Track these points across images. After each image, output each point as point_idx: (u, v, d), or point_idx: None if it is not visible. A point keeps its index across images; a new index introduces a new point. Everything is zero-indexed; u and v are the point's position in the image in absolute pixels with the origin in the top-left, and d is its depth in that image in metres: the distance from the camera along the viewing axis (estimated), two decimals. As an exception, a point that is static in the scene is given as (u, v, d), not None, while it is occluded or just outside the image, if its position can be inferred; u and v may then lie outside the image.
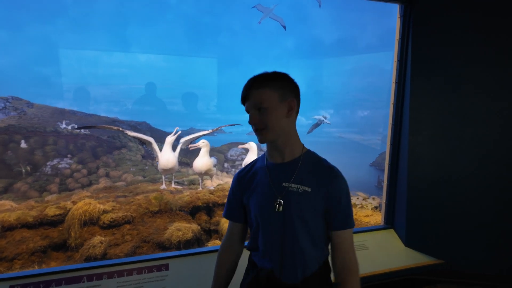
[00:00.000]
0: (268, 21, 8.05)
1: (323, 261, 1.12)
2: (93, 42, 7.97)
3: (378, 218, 4.22)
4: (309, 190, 1.04)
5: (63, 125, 7.49)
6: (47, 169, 7.07)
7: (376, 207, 4.79)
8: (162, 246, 3.11)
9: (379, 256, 2.95)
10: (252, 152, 4.79)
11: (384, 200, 3.36)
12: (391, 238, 3.21)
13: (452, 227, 3.05)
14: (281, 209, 1.03)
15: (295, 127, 1.09)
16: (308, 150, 1.14)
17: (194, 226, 3.43)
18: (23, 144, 6.95)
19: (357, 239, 3.10)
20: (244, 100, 1.04)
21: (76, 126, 7.33)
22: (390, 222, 3.33)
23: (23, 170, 6.79)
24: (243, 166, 1.63)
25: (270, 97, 0.99)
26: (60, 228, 3.37)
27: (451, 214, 3.04)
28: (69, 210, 3.37)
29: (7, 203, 4.28)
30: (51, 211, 3.40)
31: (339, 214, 1.06)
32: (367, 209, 4.63)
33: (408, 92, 3.05)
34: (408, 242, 3.14)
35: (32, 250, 3.01)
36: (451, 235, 3.05)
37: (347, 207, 1.08)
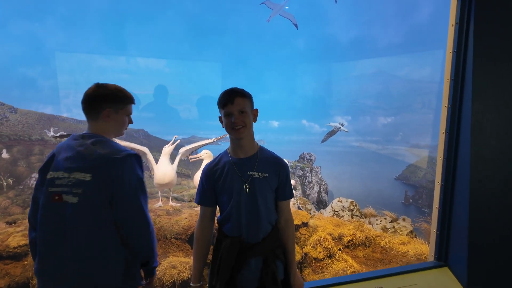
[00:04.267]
0: (277, 19, 7.55)
1: (274, 224, 1.58)
2: (86, 42, 7.49)
3: (418, 246, 3.56)
4: (267, 175, 1.52)
5: (51, 133, 6.97)
6: (31, 182, 6.53)
7: (411, 232, 4.13)
8: (151, 289, 2.49)
9: (436, 308, 2.30)
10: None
11: (434, 230, 2.73)
12: (446, 280, 2.57)
13: (533, 269, 2.39)
14: (247, 191, 1.48)
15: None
16: (261, 146, 1.59)
17: (193, 261, 2.81)
18: (4, 154, 6.44)
19: (404, 282, 2.45)
20: (226, 103, 1.45)
21: (65, 134, 6.79)
22: (443, 258, 2.69)
23: (4, 183, 6.28)
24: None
25: (248, 104, 1.48)
26: (26, 263, 2.76)
27: (532, 252, 2.39)
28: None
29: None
30: (15, 241, 2.82)
31: (285, 190, 1.58)
32: (401, 234, 3.98)
33: (469, 91, 2.44)
34: (471, 285, 2.48)
35: (-16, 294, 2.42)
36: (532, 279, 2.40)
37: (289, 185, 1.59)
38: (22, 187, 6.28)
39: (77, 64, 7.32)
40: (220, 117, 1.53)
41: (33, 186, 6.48)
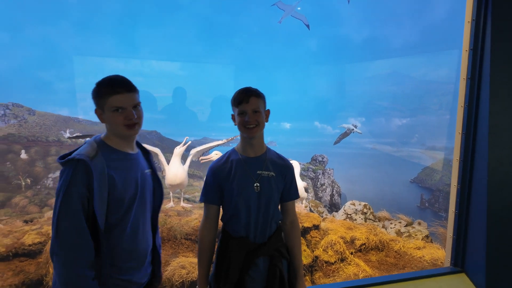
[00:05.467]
0: (289, 20, 7.53)
1: (278, 223, 1.61)
2: (100, 45, 7.67)
3: (434, 252, 3.45)
4: (274, 174, 1.54)
5: (67, 134, 7.15)
6: (48, 182, 6.70)
7: (427, 236, 4.02)
8: (161, 289, 2.51)
9: (452, 315, 2.23)
10: None
11: (450, 234, 2.64)
12: (463, 286, 2.49)
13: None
14: (258, 189, 1.50)
15: None
16: (268, 147, 1.62)
17: (203, 262, 2.81)
18: (23, 155, 6.62)
19: (419, 288, 2.38)
20: (241, 102, 1.46)
21: (80, 135, 6.95)
22: (460, 264, 2.60)
23: (23, 183, 6.45)
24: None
25: (261, 104, 1.50)
26: (40, 260, 2.83)
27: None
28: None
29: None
30: (29, 238, 2.89)
31: (291, 191, 1.61)
32: (416, 239, 3.88)
33: (486, 90, 2.37)
34: (489, 293, 2.39)
35: (0, 290, 2.50)
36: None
37: (294, 186, 1.63)
38: (39, 187, 6.45)
39: (92, 67, 7.50)
40: (232, 115, 1.54)
41: (50, 186, 6.59)
